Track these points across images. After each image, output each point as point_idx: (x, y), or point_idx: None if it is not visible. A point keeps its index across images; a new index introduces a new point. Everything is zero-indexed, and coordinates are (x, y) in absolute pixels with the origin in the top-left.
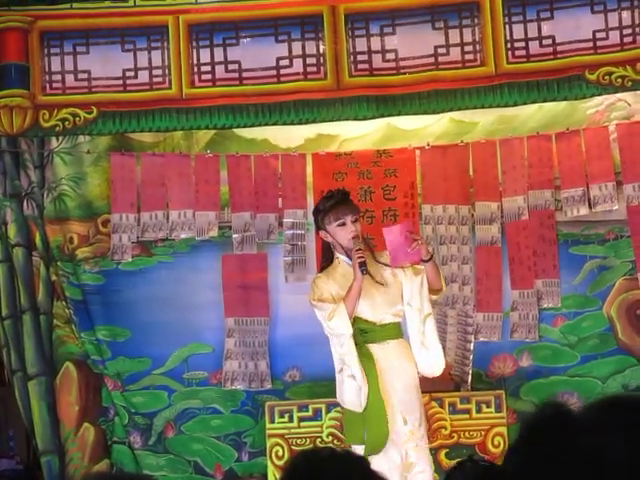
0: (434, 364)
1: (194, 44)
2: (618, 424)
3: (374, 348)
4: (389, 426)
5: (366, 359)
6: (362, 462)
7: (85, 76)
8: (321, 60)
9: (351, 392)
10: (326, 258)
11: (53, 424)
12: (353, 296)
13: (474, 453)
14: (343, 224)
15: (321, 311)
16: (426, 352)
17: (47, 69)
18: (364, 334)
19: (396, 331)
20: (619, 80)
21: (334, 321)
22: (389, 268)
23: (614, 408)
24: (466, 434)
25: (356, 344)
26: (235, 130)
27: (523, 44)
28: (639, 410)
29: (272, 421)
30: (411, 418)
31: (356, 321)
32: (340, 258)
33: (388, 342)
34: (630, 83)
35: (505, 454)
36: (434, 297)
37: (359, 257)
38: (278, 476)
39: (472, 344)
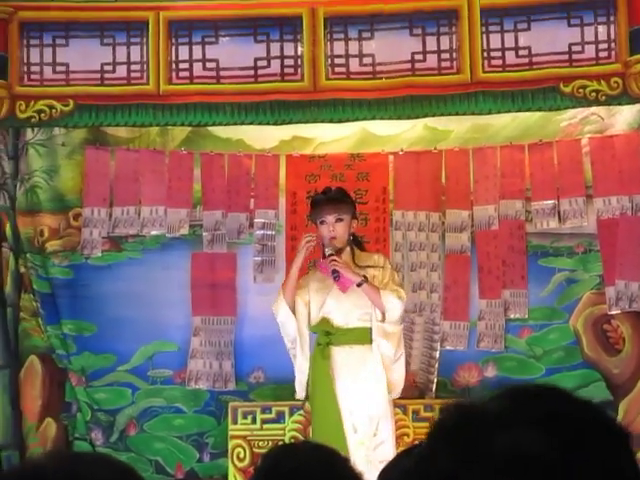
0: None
1: (173, 41)
2: (533, 417)
3: (336, 351)
4: (343, 430)
5: (324, 361)
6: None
7: (63, 69)
8: (299, 62)
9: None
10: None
11: (15, 418)
12: (287, 282)
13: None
14: (323, 222)
15: None
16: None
17: (25, 60)
18: (329, 336)
19: (363, 336)
20: (593, 94)
21: (275, 309)
22: (368, 270)
23: (525, 399)
24: None
25: (319, 344)
26: (210, 128)
27: (499, 54)
28: (552, 401)
29: (235, 422)
30: (362, 428)
31: (322, 323)
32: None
33: (352, 347)
34: (604, 97)
35: (415, 462)
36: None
37: (333, 263)
38: (239, 478)
39: (438, 352)
